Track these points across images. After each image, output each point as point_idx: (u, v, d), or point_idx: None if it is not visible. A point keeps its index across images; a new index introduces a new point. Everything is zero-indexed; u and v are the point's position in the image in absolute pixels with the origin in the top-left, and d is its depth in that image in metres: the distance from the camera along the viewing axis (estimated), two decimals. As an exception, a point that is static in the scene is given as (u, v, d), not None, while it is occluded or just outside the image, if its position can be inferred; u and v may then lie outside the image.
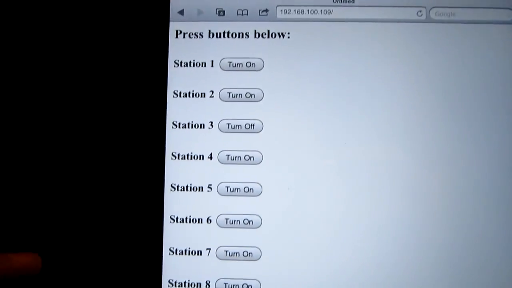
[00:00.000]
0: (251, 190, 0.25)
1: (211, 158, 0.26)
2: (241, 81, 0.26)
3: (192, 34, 0.26)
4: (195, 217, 0.26)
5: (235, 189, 0.26)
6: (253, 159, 0.26)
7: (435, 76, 0.26)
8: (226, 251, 0.26)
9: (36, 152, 0.26)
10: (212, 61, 0.26)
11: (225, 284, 0.25)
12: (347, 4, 0.26)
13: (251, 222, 0.25)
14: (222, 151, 0.26)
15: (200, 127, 0.26)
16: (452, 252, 0.25)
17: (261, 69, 0.26)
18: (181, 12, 0.27)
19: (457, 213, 0.25)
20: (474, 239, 0.25)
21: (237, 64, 0.26)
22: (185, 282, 0.26)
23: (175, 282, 0.26)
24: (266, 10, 0.26)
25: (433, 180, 0.25)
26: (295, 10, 0.26)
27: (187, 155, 0.26)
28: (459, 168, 0.25)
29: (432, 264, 0.25)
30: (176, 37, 0.27)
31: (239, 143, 0.26)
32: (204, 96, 0.26)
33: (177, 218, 0.26)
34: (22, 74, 0.27)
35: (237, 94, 0.26)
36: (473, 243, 0.25)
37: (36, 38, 0.27)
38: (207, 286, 0.26)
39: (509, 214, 0.25)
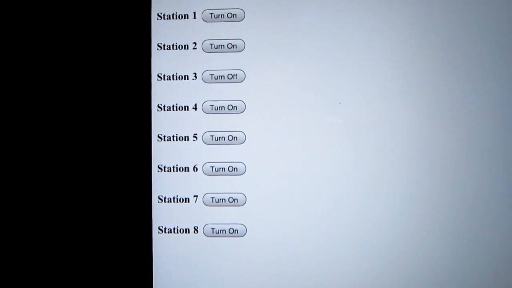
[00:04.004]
0: (235, 138, 0.26)
1: (195, 108, 0.27)
2: (223, 32, 0.26)
3: (174, -14, 0.27)
4: (181, 165, 0.27)
5: (219, 137, 0.26)
6: (236, 108, 0.26)
7: (435, 30, 0.26)
8: (212, 198, 0.26)
9: (15, 141, 0.27)
10: (194, 13, 0.27)
11: (212, 229, 0.27)
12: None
13: (235, 169, 0.26)
14: (206, 101, 0.26)
15: (184, 79, 0.27)
16: (456, 214, 0.26)
17: (242, 19, 0.26)
18: (163, -35, 0.27)
19: (460, 173, 0.25)
20: (477, 197, 0.25)
21: (219, 15, 0.26)
22: (174, 228, 0.27)
23: (165, 228, 0.27)
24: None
25: (434, 139, 0.26)
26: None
27: (173, 106, 0.27)
28: (462, 123, 0.25)
29: (436, 228, 0.26)
30: (158, -10, 0.27)
31: (222, 93, 0.26)
32: (188, 48, 0.27)
33: (164, 167, 0.27)
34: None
35: (219, 45, 0.26)
36: (476, 200, 0.25)
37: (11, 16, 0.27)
38: (195, 231, 0.27)
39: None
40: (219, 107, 0.26)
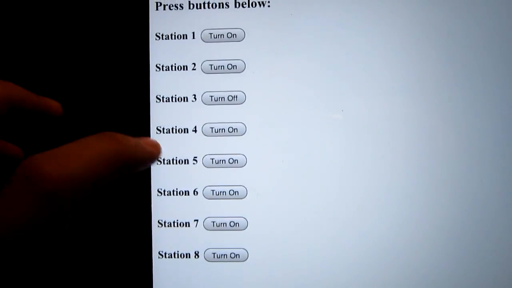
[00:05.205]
0: (236, 161, 0.26)
1: (195, 131, 0.26)
2: (223, 52, 0.26)
3: (172, 5, 0.26)
4: (181, 189, 0.26)
5: (220, 160, 0.26)
6: (237, 130, 0.26)
7: (439, 36, 0.25)
8: (213, 222, 0.26)
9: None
10: (193, 33, 0.26)
11: (214, 253, 0.26)
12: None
13: (236, 193, 0.26)
14: (206, 123, 0.26)
15: (184, 100, 0.26)
16: (459, 218, 0.25)
17: (242, 39, 0.26)
18: (160, -16, 0.26)
19: (465, 178, 0.25)
20: (480, 201, 0.25)
21: (218, 35, 0.26)
22: (174, 253, 0.26)
23: (165, 254, 0.26)
24: (246, -21, 0.26)
25: (438, 145, 0.25)
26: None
27: (172, 128, 0.26)
28: (466, 130, 0.25)
29: (438, 229, 0.25)
30: (157, 9, 0.26)
31: (223, 115, 0.26)
32: (187, 69, 0.26)
33: (164, 191, 0.26)
34: None
35: (219, 66, 0.26)
36: (479, 204, 0.25)
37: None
38: (196, 256, 0.26)
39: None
40: (220, 129, 0.26)
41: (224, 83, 0.26)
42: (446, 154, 0.25)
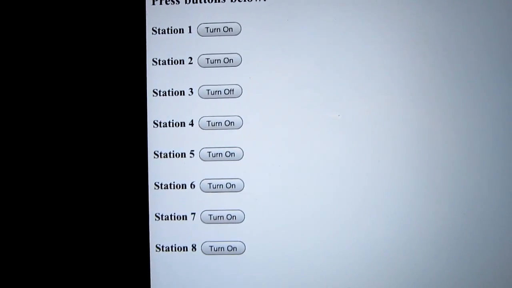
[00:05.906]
0: (233, 154, 0.26)
1: (192, 124, 0.26)
2: (219, 46, 0.26)
3: (169, 0, 0.26)
4: (179, 182, 0.26)
5: (216, 154, 0.26)
6: (233, 124, 0.26)
7: (436, 39, 0.25)
8: (210, 215, 0.26)
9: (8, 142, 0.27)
10: (190, 27, 0.26)
11: (211, 247, 0.26)
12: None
13: (233, 186, 0.26)
14: (203, 117, 0.26)
15: (180, 94, 0.26)
16: (454, 216, 0.25)
17: (238, 33, 0.26)
18: (157, -22, 0.26)
19: (459, 174, 0.25)
20: (476, 202, 0.25)
21: (215, 29, 0.26)
22: (172, 246, 0.26)
23: (162, 247, 0.26)
24: (242, -27, 0.26)
25: (433, 143, 0.25)
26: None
27: (169, 122, 0.26)
28: (464, 134, 0.25)
29: (434, 232, 0.25)
30: (153, 3, 0.26)
31: (219, 109, 0.26)
32: (183, 63, 0.26)
33: (161, 184, 0.26)
34: None
35: (215, 60, 0.26)
36: (475, 206, 0.25)
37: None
38: (193, 249, 0.26)
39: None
40: (216, 122, 0.26)
41: (220, 77, 0.26)
42: (445, 157, 0.25)
